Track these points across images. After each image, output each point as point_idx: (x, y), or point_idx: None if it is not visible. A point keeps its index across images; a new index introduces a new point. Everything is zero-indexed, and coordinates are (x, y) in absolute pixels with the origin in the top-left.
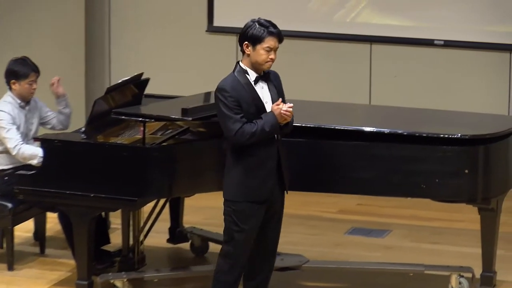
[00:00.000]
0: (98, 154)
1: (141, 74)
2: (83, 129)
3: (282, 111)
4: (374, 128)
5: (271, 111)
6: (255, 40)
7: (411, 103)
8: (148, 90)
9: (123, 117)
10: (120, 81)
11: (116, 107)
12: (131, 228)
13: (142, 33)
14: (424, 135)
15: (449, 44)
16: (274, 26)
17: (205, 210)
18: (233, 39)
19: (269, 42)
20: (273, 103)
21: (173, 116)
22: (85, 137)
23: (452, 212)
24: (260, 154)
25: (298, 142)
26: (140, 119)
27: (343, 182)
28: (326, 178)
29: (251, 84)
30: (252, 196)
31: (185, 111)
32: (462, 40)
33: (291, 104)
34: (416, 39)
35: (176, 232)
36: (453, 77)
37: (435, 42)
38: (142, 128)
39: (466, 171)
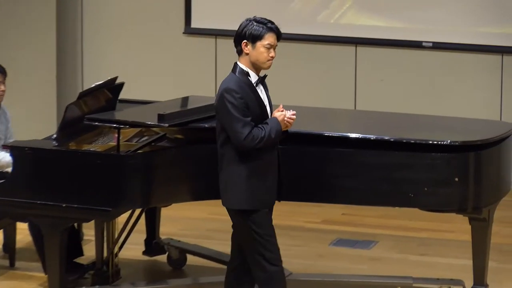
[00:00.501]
0: (70, 162)
1: (115, 78)
2: (55, 136)
3: (286, 118)
4: (359, 135)
5: (275, 117)
6: (255, 38)
7: (398, 108)
8: (123, 95)
9: (96, 123)
10: (93, 85)
11: (89, 112)
12: (105, 239)
13: (116, 35)
14: (412, 141)
15: (438, 46)
16: (272, 22)
17: (183, 221)
18: (211, 41)
19: (269, 38)
20: (270, 107)
21: (149, 122)
22: (56, 144)
23: (442, 222)
24: (266, 158)
25: (279, 149)
26: (114, 125)
27: (327, 191)
28: (309, 186)
29: (253, 85)
30: (265, 202)
31: (161, 117)
32: (451, 42)
33: (294, 112)
34: (404, 41)
35: (153, 244)
36: (443, 81)
37: (424, 44)
38: (116, 135)
39: (456, 179)
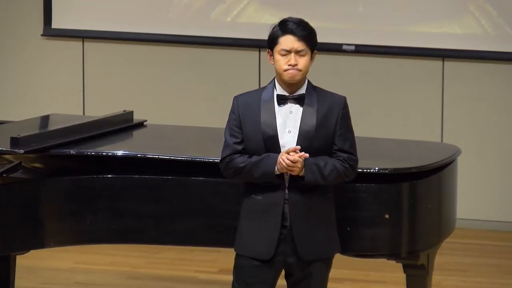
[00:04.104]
0: None
1: None
2: None
3: (280, 157)
4: None
5: (276, 156)
6: (271, 44)
7: None
8: None
9: None
10: None
11: None
12: None
13: None
14: None
15: (362, 50)
16: (294, 21)
17: (44, 272)
18: (78, 45)
19: (284, 42)
20: (301, 136)
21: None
22: None
23: (369, 271)
24: (263, 197)
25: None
26: None
27: (218, 232)
28: (195, 227)
29: (273, 103)
30: (249, 251)
31: (14, 141)
32: (379, 44)
33: (303, 154)
34: (320, 44)
35: None
36: (368, 92)
37: (344, 47)
38: None
39: (387, 216)
